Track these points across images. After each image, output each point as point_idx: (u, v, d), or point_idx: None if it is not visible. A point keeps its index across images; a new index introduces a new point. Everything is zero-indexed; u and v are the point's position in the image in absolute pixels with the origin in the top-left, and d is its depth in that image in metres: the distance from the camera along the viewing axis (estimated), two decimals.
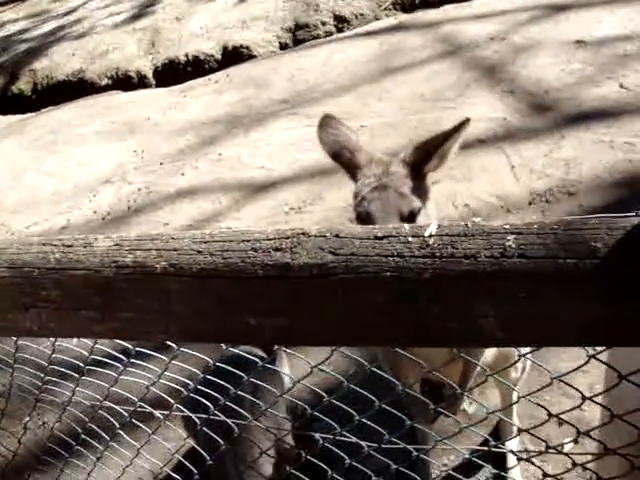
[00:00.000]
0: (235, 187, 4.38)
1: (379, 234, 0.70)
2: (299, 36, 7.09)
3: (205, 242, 0.76)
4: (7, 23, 8.66)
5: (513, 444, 2.49)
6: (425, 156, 1.74)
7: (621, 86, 4.45)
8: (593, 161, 3.81)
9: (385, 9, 7.12)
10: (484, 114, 4.53)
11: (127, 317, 0.79)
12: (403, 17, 6.59)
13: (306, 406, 1.25)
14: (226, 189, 4.38)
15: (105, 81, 6.71)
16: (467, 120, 1.77)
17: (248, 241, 0.74)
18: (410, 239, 0.68)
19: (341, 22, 7.10)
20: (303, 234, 0.72)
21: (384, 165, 1.77)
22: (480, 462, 2.40)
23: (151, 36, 7.21)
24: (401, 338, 0.71)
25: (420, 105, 4.86)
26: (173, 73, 6.80)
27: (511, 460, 2.42)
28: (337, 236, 0.71)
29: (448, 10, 6.34)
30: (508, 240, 0.65)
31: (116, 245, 0.80)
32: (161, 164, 4.89)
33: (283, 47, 6.99)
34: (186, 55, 6.90)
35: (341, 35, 6.76)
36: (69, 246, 0.85)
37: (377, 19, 6.87)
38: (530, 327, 0.67)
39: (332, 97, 5.27)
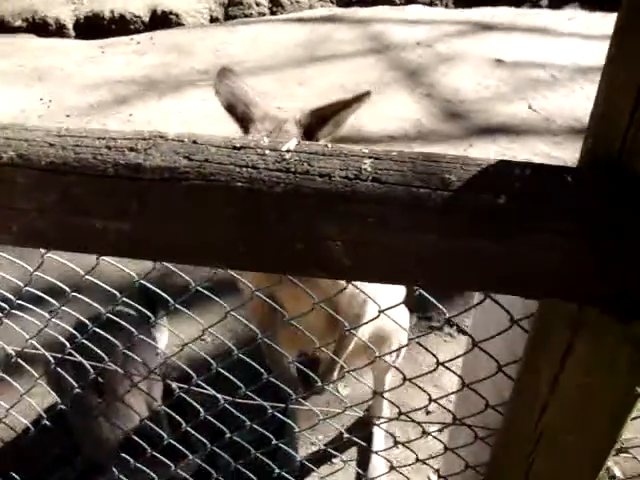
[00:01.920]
0: None
1: (237, 144, 0.68)
2: (231, 12, 6.98)
3: (60, 136, 0.71)
4: None
5: (379, 433, 2.53)
6: (320, 120, 1.72)
7: (529, 107, 4.66)
8: None
9: (321, 0, 7.13)
10: (399, 113, 4.62)
11: None
12: (337, 10, 6.62)
13: (164, 351, 1.22)
14: None
15: (19, 23, 6.34)
16: (367, 93, 1.77)
17: (103, 139, 0.70)
18: (267, 152, 0.66)
19: (276, 5, 7.05)
20: (161, 137, 0.70)
21: (277, 123, 1.75)
22: (335, 453, 2.42)
23: None
24: (247, 258, 0.69)
25: (339, 95, 4.83)
26: (95, 28, 6.52)
27: (377, 445, 2.47)
28: (194, 142, 0.69)
29: (381, 10, 6.43)
30: (365, 163, 0.65)
31: None
32: (67, 116, 4.67)
33: (213, 20, 6.86)
34: (112, 11, 6.63)
35: (273, 17, 6.70)
36: None
37: (312, 8, 6.87)
38: (377, 256, 0.66)
39: (254, 75, 5.21)
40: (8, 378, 1.59)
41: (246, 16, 6.89)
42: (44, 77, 5.24)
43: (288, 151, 0.66)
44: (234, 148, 0.67)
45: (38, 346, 1.42)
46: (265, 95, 4.90)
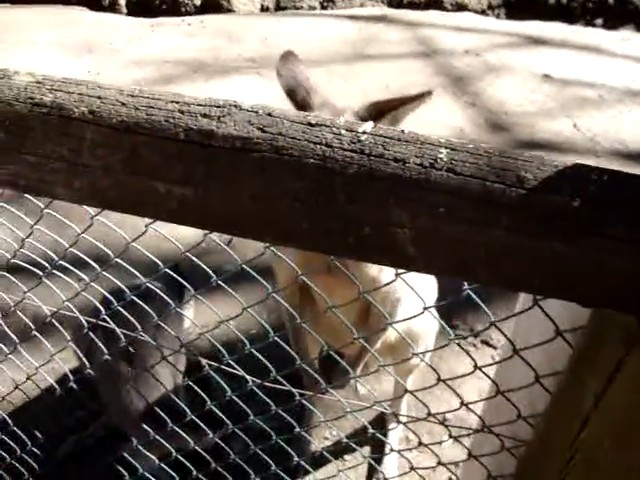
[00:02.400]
0: None
1: (312, 121, 0.66)
2: (282, 3, 6.99)
3: (133, 96, 0.70)
4: None
5: (395, 434, 2.52)
6: (377, 114, 1.71)
7: (574, 126, 4.60)
8: None
9: None
10: (443, 120, 4.58)
11: (30, 161, 0.73)
12: (388, 10, 6.59)
13: (197, 324, 1.21)
14: None
15: None
16: (429, 92, 1.76)
17: (177, 102, 0.70)
18: (343, 132, 0.65)
19: (327, 1, 7.03)
20: (235, 106, 0.69)
21: (336, 112, 1.75)
22: (355, 447, 2.42)
23: None
24: (310, 237, 0.68)
25: (383, 95, 4.82)
26: (147, 6, 6.58)
27: (388, 448, 2.46)
28: (269, 114, 0.68)
29: (432, 15, 6.38)
30: (441, 152, 0.63)
31: (38, 82, 0.74)
32: None
33: (264, 9, 6.87)
34: None
35: (324, 12, 6.70)
36: None
37: (362, 6, 6.84)
38: (443, 247, 0.65)
39: None
40: (40, 336, 1.60)
41: (297, 8, 6.89)
42: (93, 50, 5.30)
43: (364, 133, 0.65)
44: (309, 124, 0.66)
45: (74, 309, 1.43)
46: None
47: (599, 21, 6.91)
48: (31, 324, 1.61)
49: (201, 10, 6.66)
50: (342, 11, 6.61)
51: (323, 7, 7.02)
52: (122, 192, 0.72)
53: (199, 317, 2.81)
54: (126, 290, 1.34)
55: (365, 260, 0.69)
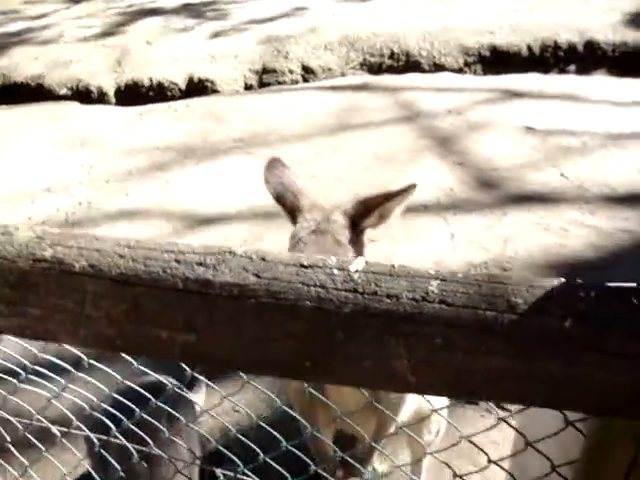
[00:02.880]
0: (177, 216, 4.33)
1: (305, 262, 0.69)
2: (265, 79, 7.18)
3: (129, 247, 0.73)
4: None
5: None
6: (365, 211, 1.77)
7: (562, 175, 4.67)
8: (529, 241, 3.95)
9: (352, 67, 7.30)
10: (432, 181, 4.65)
11: (36, 315, 0.75)
12: (368, 78, 6.77)
13: (212, 439, 1.21)
14: (169, 217, 4.32)
15: (64, 91, 6.61)
16: (413, 186, 1.82)
17: (172, 252, 0.72)
18: (335, 271, 0.68)
19: (308, 73, 7.23)
20: (229, 252, 0.71)
21: (325, 212, 1.80)
22: None
23: (119, 55, 7.18)
24: (311, 372, 0.70)
25: (372, 164, 4.97)
26: (134, 95, 6.75)
27: None
28: (263, 259, 0.70)
29: (411, 78, 6.56)
30: (431, 285, 0.66)
31: (38, 238, 0.77)
32: (107, 182, 4.80)
33: (248, 87, 7.06)
34: (150, 79, 6.87)
35: (305, 85, 6.88)
36: None
37: (343, 75, 7.03)
38: (442, 375, 0.67)
39: (287, 143, 5.33)
40: (50, 457, 1.59)
41: (279, 83, 7.07)
42: (86, 143, 5.43)
43: (356, 271, 0.67)
44: (302, 266, 0.69)
45: (82, 426, 1.43)
46: (300, 161, 4.99)
47: (572, 67, 7.09)
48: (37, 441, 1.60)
49: (187, 94, 6.83)
50: (323, 82, 6.80)
51: (305, 80, 7.21)
52: (127, 340, 0.74)
53: (210, 399, 2.78)
54: (136, 410, 1.33)
55: (367, 388, 0.70)
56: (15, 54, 7.14)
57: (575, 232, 4.02)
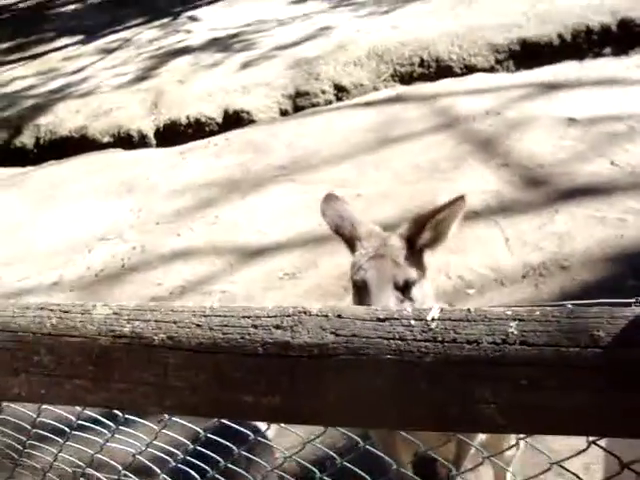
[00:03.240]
0: (230, 250, 4.39)
1: (381, 316, 0.70)
2: (299, 103, 7.23)
3: (205, 316, 0.75)
4: (17, 79, 8.83)
5: None
6: (418, 229, 1.80)
7: (612, 163, 4.55)
8: (585, 236, 3.85)
9: (384, 80, 7.30)
10: (478, 186, 4.60)
11: (120, 388, 0.78)
12: (401, 89, 6.76)
13: None
14: (221, 252, 4.39)
15: (107, 139, 6.81)
16: (462, 197, 1.83)
17: (249, 317, 0.74)
18: (412, 322, 0.68)
19: (341, 91, 7.26)
20: (304, 312, 0.72)
21: (382, 238, 1.84)
22: None
23: (154, 97, 7.36)
24: (399, 423, 0.70)
25: (416, 175, 4.94)
26: (174, 134, 6.90)
27: None
28: (339, 316, 0.71)
29: (445, 84, 6.52)
30: (510, 327, 0.65)
31: (115, 314, 0.80)
32: (157, 224, 4.91)
33: (283, 113, 7.13)
34: (187, 117, 7.02)
35: (340, 104, 6.92)
36: (66, 312, 0.84)
37: (376, 90, 7.03)
38: (530, 415, 0.66)
39: (330, 164, 5.35)
40: None
41: (313, 105, 7.12)
42: (132, 188, 5.57)
43: (433, 319, 0.67)
44: (379, 320, 0.69)
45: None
46: (344, 182, 5.01)
47: (607, 50, 6.91)
48: None
49: (224, 127, 6.94)
50: (357, 99, 6.82)
51: (338, 98, 7.24)
52: (212, 406, 0.75)
53: (278, 439, 2.79)
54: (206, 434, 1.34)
55: (457, 432, 0.70)
56: (59, 110, 7.40)
57: (633, 221, 3.91)
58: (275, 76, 7.33)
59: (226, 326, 0.74)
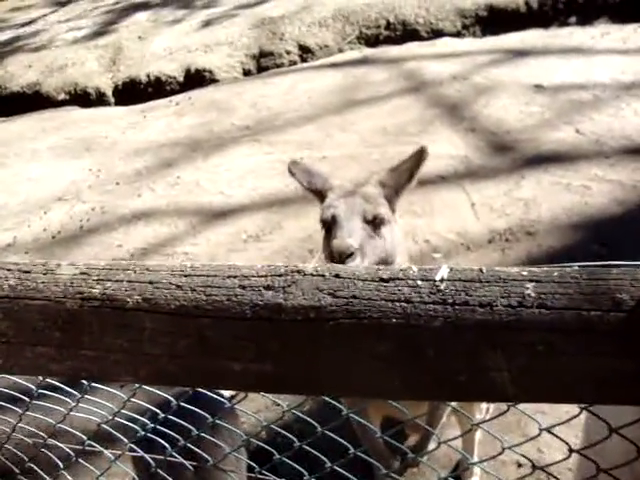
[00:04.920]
0: (192, 212, 4.28)
1: (384, 276, 0.63)
2: (263, 63, 7.07)
3: (185, 275, 0.67)
4: None
5: None
6: (390, 173, 1.84)
7: (577, 131, 4.56)
8: (551, 202, 3.86)
9: (349, 42, 7.17)
10: (446, 151, 4.56)
11: (90, 356, 0.70)
12: (367, 51, 6.65)
13: (272, 450, 1.16)
14: (183, 213, 4.27)
15: (62, 96, 6.54)
16: (423, 149, 1.88)
17: (235, 277, 0.66)
18: (419, 283, 0.62)
19: (305, 52, 7.11)
20: (298, 272, 0.65)
21: (355, 186, 1.85)
22: None
23: (112, 54, 7.09)
24: (403, 392, 0.64)
25: (382, 139, 4.88)
26: (133, 93, 6.68)
27: None
28: (337, 276, 0.64)
29: (411, 48, 6.43)
30: (527, 288, 0.60)
31: (83, 274, 0.71)
32: (117, 184, 4.75)
33: (246, 73, 6.96)
34: (148, 75, 6.79)
35: (305, 65, 6.77)
36: (26, 272, 0.75)
37: (341, 52, 6.91)
38: (545, 383, 0.61)
39: (294, 126, 5.25)
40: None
41: (278, 66, 6.96)
42: (91, 147, 5.37)
43: (442, 280, 0.61)
44: (382, 280, 0.63)
45: (137, 448, 1.39)
46: (309, 144, 4.92)
47: (573, 19, 6.91)
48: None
49: (185, 85, 6.74)
50: (323, 61, 6.68)
51: (303, 59, 7.09)
52: (193, 375, 0.68)
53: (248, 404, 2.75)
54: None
55: (463, 401, 0.65)
56: (8, 64, 7.07)
57: (597, 188, 3.93)
58: (238, 35, 7.13)
59: (210, 287, 0.66)
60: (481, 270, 0.62)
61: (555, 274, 0.61)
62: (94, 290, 0.69)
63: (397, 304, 0.61)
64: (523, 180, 4.11)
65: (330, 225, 1.78)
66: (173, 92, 6.60)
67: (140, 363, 0.69)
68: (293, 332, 0.63)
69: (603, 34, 6.08)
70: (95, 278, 0.70)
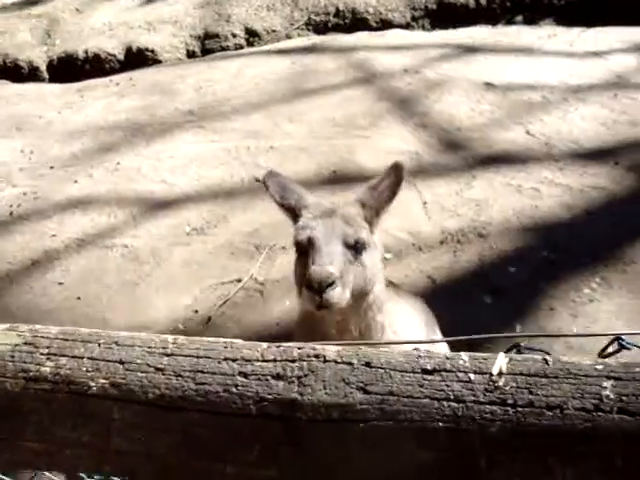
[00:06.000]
0: (133, 201, 4.05)
1: (428, 366, 0.50)
2: (208, 45, 6.82)
3: (168, 355, 0.52)
4: None
5: None
6: (370, 191, 1.71)
7: (527, 132, 4.55)
8: (502, 204, 3.84)
9: (298, 28, 7.01)
10: (396, 146, 4.48)
11: (35, 449, 0.54)
12: (316, 38, 6.49)
13: None
14: (123, 202, 4.03)
15: None
16: (398, 165, 1.75)
17: (234, 360, 0.51)
18: (472, 376, 0.50)
19: (252, 36, 6.91)
20: (317, 357, 0.51)
21: (332, 205, 1.72)
22: None
23: (47, 25, 6.68)
24: None
25: (332, 130, 4.75)
26: (69, 69, 6.32)
27: None
28: (368, 365, 0.51)
29: (361, 37, 6.32)
30: (604, 388, 0.49)
31: (28, 344, 0.55)
32: (51, 168, 4.45)
33: (190, 55, 6.69)
34: (85, 51, 6.44)
35: (252, 50, 6.56)
36: None
37: (289, 37, 6.74)
38: None
39: (241, 114, 5.05)
40: None
41: (223, 49, 6.73)
42: (23, 126, 5.02)
43: (500, 374, 0.49)
44: (425, 372, 0.50)
45: None
46: (256, 133, 4.74)
47: (519, 18, 6.97)
48: None
49: (126, 64, 6.43)
50: (270, 46, 6.49)
51: (249, 43, 6.88)
52: (178, 476, 0.54)
53: None
54: None
55: None
56: None
57: (547, 192, 3.93)
58: (183, 14, 6.84)
59: (201, 372, 0.51)
60: (546, 361, 0.51)
61: (637, 369, 0.50)
62: (43, 368, 0.52)
63: (445, 404, 0.49)
64: (474, 180, 4.07)
65: (306, 249, 1.61)
66: (112, 71, 6.27)
67: (106, 460, 0.53)
68: (311, 435, 0.50)
69: (550, 35, 6.13)
70: (45, 352, 0.53)
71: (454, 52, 5.97)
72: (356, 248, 1.62)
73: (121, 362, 0.52)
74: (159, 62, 6.47)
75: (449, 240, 3.61)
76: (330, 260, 1.54)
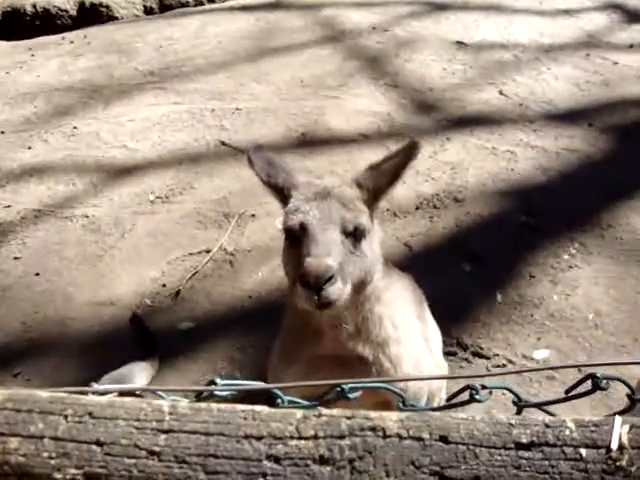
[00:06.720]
0: (92, 168, 3.82)
1: (524, 438, 0.37)
2: (166, 1, 6.49)
3: (165, 431, 0.36)
4: None
5: None
6: (371, 173, 1.53)
7: (501, 93, 4.44)
8: (478, 167, 3.73)
9: None
10: (367, 107, 4.32)
11: None
12: None
13: None
14: (82, 169, 3.80)
15: None
16: (415, 144, 1.56)
17: (260, 438, 0.36)
18: (583, 452, 0.36)
19: None
20: (373, 430, 0.37)
21: (324, 186, 1.53)
22: None
23: None
24: None
25: (300, 91, 4.55)
26: (17, 25, 5.94)
27: None
28: (445, 440, 0.36)
29: None
30: None
31: None
32: (2, 133, 4.17)
33: (148, 11, 6.36)
34: (34, 6, 6.05)
35: (214, 6, 6.26)
36: None
37: None
38: None
39: (204, 74, 4.81)
40: None
41: (182, 5, 6.42)
42: None
43: (622, 449, 0.36)
44: (520, 447, 0.36)
45: None
46: (221, 94, 4.52)
47: None
48: None
49: (79, 21, 6.08)
50: (233, 2, 6.20)
51: (210, 0, 6.57)
52: None
53: None
54: None
55: None
56: None
57: (522, 154, 3.84)
58: None
59: (213, 456, 0.35)
60: None
61: None
62: None
63: None
64: (448, 142, 3.95)
65: (299, 236, 1.43)
66: (65, 28, 5.92)
67: None
68: None
69: None
70: None
71: (423, 9, 5.79)
72: (355, 235, 1.44)
73: (99, 443, 0.36)
74: (114, 19, 6.14)
75: (424, 205, 3.50)
76: (327, 251, 1.36)
